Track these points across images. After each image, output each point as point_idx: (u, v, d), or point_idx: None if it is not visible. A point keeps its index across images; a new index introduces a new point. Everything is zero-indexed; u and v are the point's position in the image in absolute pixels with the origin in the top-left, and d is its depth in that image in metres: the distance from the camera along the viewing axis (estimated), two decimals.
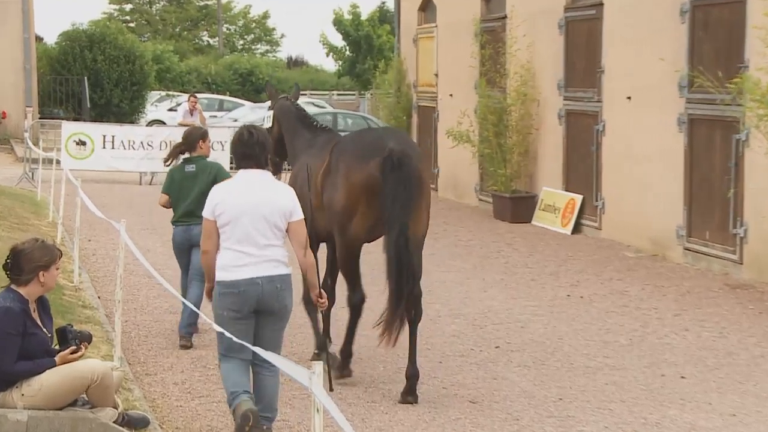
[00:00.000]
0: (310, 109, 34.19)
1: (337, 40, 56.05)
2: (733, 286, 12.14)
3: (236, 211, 6.26)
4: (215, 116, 35.34)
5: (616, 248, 14.72)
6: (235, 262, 6.24)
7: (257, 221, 6.25)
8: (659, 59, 13.86)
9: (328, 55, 56.74)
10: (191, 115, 23.35)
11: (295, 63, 65.12)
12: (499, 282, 12.40)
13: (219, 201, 6.31)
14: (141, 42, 41.38)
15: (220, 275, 6.29)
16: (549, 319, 10.50)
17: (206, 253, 6.37)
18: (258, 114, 32.52)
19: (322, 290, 6.64)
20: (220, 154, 23.00)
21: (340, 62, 56.94)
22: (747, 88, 11.00)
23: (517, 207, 17.45)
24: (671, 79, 13.81)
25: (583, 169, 16.25)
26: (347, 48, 55.22)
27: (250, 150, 6.35)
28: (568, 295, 11.67)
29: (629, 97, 14.88)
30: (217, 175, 8.77)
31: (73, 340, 6.27)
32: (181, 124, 23.23)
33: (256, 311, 6.27)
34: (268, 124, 9.14)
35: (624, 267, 13.37)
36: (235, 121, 31.03)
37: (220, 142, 23.43)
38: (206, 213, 6.36)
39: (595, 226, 15.93)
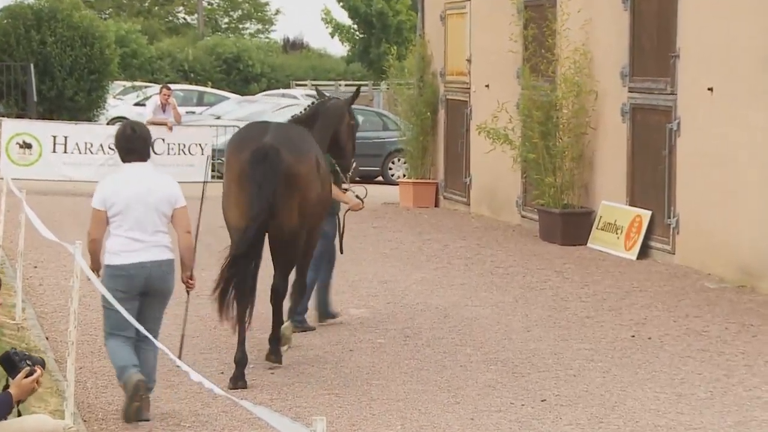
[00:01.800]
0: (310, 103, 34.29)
1: (345, 18, 56.23)
2: None
3: (127, 201, 8.47)
4: (193, 112, 35.54)
5: (693, 277, 14.73)
6: (125, 248, 8.46)
7: (146, 210, 8.48)
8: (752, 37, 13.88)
9: (333, 36, 57.01)
10: (163, 111, 23.51)
11: (293, 46, 65.44)
12: (547, 319, 12.45)
13: (110, 193, 8.52)
14: (101, 20, 41.67)
15: (112, 259, 8.48)
16: (608, 365, 10.53)
17: (95, 241, 8.56)
18: (246, 110, 32.65)
19: (193, 273, 8.82)
20: (199, 159, 23.16)
21: (349, 45, 57.12)
22: None
23: (569, 225, 17.48)
24: (764, 65, 13.84)
25: (652, 178, 16.28)
26: (357, 27, 55.40)
27: (133, 145, 8.61)
28: (633, 336, 11.70)
29: (711, 89, 14.92)
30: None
31: (23, 361, 6.30)
32: (150, 123, 23.38)
33: (143, 293, 8.50)
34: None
35: (703, 301, 13.38)
36: (218, 118, 31.17)
37: (199, 145, 23.57)
38: (97, 204, 8.53)
39: (667, 249, 15.94)
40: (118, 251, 8.45)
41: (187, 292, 9.22)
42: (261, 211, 9.60)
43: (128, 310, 7.85)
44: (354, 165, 11.73)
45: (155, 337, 8.06)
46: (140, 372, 8.40)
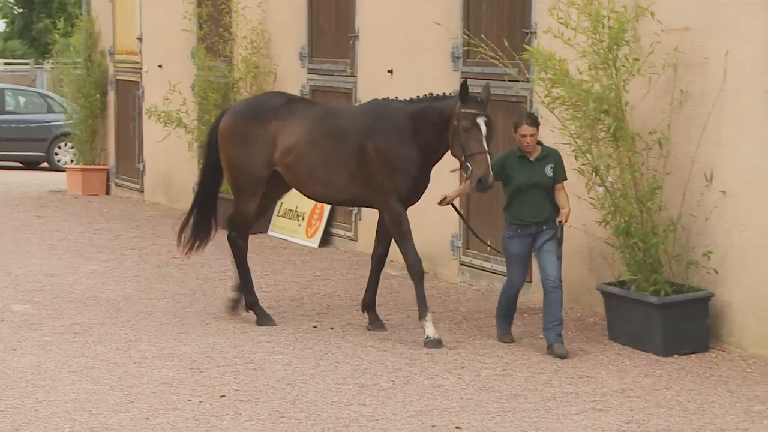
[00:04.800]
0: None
1: None
2: (520, 310, 12.71)
3: None
4: None
5: None
6: None
7: None
8: (432, 22, 14.31)
9: None
10: None
11: None
12: (226, 311, 12.51)
13: None
14: None
15: None
16: (290, 358, 10.69)
17: None
18: None
19: None
20: None
21: (7, 21, 55.58)
22: (537, 62, 11.53)
23: None
24: (444, 47, 14.30)
25: None
26: (15, 1, 53.93)
27: None
28: (315, 327, 11.92)
29: (391, 71, 15.30)
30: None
31: None
32: None
33: None
34: None
35: (385, 289, 13.72)
36: None
37: None
38: None
39: (349, 236, 16.28)
40: None
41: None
42: (204, 166, 12.67)
43: None
44: (470, 171, 10.94)
45: None
46: None
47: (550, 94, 11.43)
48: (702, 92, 11.27)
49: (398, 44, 15.19)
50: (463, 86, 11.13)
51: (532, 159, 11.04)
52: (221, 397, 9.44)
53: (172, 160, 19.95)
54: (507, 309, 11.46)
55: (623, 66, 11.35)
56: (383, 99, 11.96)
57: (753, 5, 10.89)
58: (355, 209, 15.99)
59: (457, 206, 12.21)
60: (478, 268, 13.97)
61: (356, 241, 16.07)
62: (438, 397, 9.57)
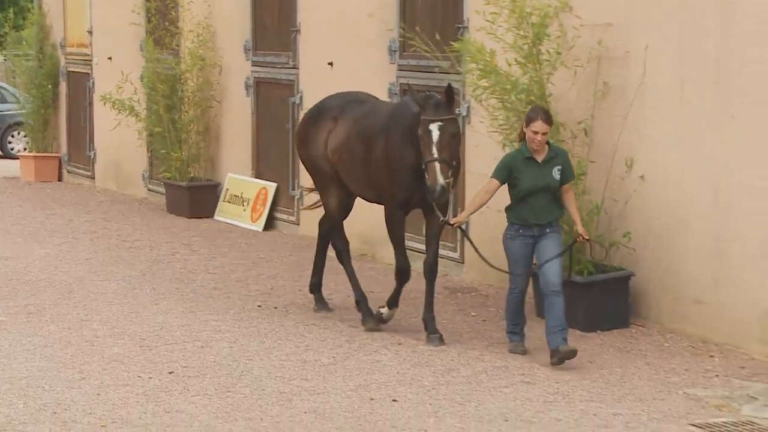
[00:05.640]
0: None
1: None
2: (453, 289, 12.87)
3: None
4: None
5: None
6: None
7: None
8: (367, 15, 14.43)
9: None
10: None
11: None
12: (175, 292, 12.58)
13: None
14: None
15: None
16: (236, 336, 10.78)
17: None
18: None
19: None
20: None
21: None
22: (468, 53, 11.66)
23: (196, 198, 17.64)
24: (381, 41, 14.41)
25: (276, 151, 16.64)
26: None
27: None
28: (259, 306, 12.00)
29: (331, 63, 15.39)
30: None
31: None
32: None
33: None
34: None
35: (327, 270, 13.82)
36: None
37: None
38: None
39: (292, 220, 16.36)
40: None
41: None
42: None
43: None
44: (438, 186, 10.13)
45: None
46: None
47: (477, 85, 11.55)
48: (624, 84, 11.46)
49: (338, 38, 15.28)
50: (419, 96, 10.46)
51: (539, 160, 10.11)
52: (170, 373, 9.52)
53: (122, 149, 19.93)
54: (516, 316, 10.35)
55: (546, 60, 11.52)
56: (409, 97, 11.13)
57: (670, 2, 11.09)
58: (297, 194, 16.09)
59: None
60: (414, 251, 14.02)
61: (299, 225, 16.16)
62: (376, 371, 9.70)
